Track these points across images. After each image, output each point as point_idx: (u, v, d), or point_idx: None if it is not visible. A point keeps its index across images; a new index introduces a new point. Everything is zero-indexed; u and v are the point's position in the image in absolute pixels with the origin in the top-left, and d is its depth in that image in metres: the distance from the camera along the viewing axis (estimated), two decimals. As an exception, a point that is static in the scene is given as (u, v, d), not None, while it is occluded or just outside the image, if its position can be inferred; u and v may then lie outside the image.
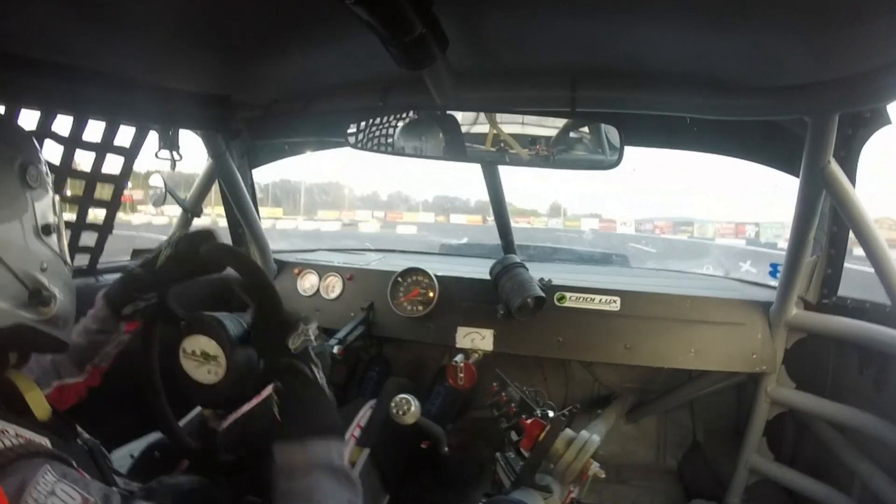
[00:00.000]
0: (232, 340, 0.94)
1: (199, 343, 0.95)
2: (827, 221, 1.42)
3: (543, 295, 1.64)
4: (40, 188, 0.73)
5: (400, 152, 1.27)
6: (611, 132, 1.20)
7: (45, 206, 0.75)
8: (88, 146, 1.29)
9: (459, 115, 1.24)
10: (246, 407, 1.04)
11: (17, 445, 0.57)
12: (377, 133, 1.27)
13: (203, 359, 0.94)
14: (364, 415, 1.46)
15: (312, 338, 0.85)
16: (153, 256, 0.99)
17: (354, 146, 1.25)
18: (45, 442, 0.62)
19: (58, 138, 1.21)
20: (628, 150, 1.19)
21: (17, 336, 0.68)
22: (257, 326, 0.92)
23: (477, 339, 1.72)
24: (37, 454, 0.57)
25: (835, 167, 1.22)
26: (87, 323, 0.98)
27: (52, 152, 1.23)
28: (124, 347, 1.05)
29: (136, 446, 1.33)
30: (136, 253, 1.71)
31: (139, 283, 0.99)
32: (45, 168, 0.77)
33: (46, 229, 0.74)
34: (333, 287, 1.90)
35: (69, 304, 0.77)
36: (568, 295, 1.69)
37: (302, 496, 0.70)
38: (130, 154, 1.41)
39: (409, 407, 1.35)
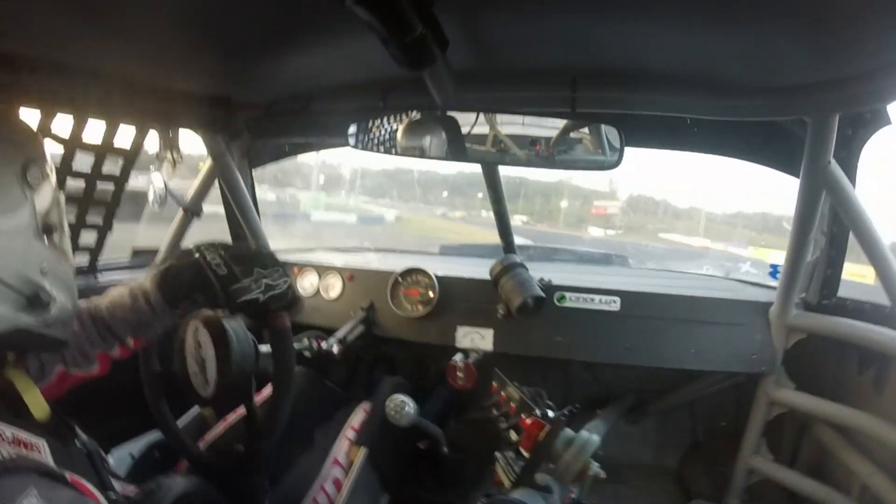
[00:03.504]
0: (210, 317, 0.96)
1: (189, 355, 0.96)
2: (827, 222, 1.42)
3: (543, 295, 1.64)
4: (42, 187, 0.72)
5: (400, 153, 1.27)
6: (611, 133, 1.20)
7: (48, 205, 0.73)
8: (88, 147, 1.29)
9: (459, 116, 1.24)
10: (243, 410, 1.05)
11: (9, 459, 0.55)
12: (378, 133, 1.27)
13: (200, 356, 0.94)
14: (356, 416, 1.46)
15: (257, 291, 0.88)
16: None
17: (355, 147, 1.25)
18: (43, 444, 0.62)
19: (58, 139, 1.21)
20: (628, 150, 1.19)
21: (16, 338, 0.68)
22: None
23: (477, 339, 1.72)
24: (27, 470, 0.55)
25: (835, 167, 1.22)
26: (124, 299, 0.92)
27: (52, 152, 1.23)
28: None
29: (136, 446, 1.33)
30: (136, 252, 1.71)
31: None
32: (49, 165, 0.75)
33: (48, 229, 0.72)
34: (333, 287, 1.90)
35: (69, 304, 0.76)
36: (568, 295, 1.69)
37: None
38: (130, 154, 1.41)
39: (404, 408, 1.34)
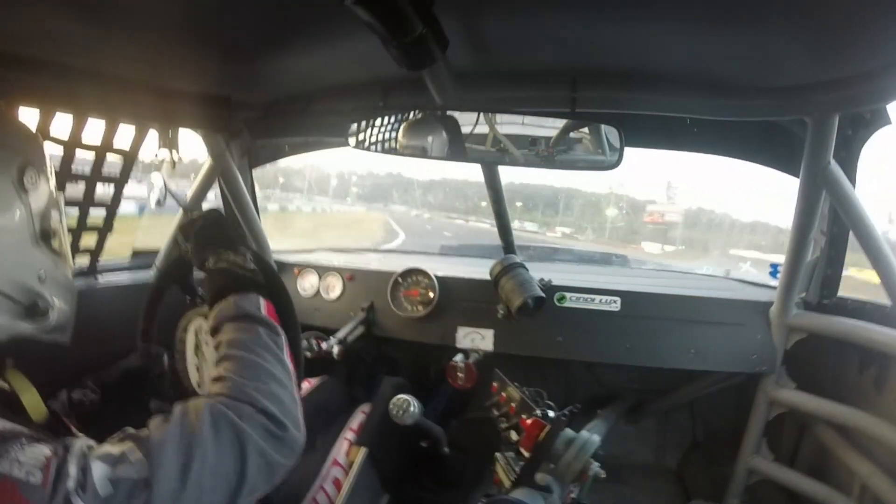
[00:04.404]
0: (197, 311, 0.96)
1: (189, 359, 0.95)
2: (827, 221, 1.42)
3: (543, 295, 1.64)
4: (40, 190, 0.71)
5: (400, 153, 1.27)
6: (611, 133, 1.20)
7: (46, 210, 0.72)
8: (88, 147, 1.29)
9: (459, 116, 1.24)
10: None
11: (3, 429, 0.56)
12: (378, 133, 1.27)
13: (199, 356, 0.94)
14: (355, 419, 1.46)
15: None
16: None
17: (355, 146, 1.25)
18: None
19: (57, 140, 1.21)
20: (628, 150, 1.19)
21: (15, 345, 0.67)
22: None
23: (477, 339, 1.72)
24: (22, 435, 0.56)
25: (835, 167, 1.22)
26: None
27: (51, 153, 1.23)
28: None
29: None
30: (136, 253, 1.71)
31: (95, 379, 1.03)
32: (48, 167, 0.74)
33: (46, 234, 0.71)
34: (333, 287, 1.90)
35: (69, 308, 0.76)
36: (568, 295, 1.69)
37: (219, 345, 0.73)
38: (130, 154, 1.41)
39: (409, 407, 1.35)
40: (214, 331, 0.76)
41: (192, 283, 1.01)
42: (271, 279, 0.88)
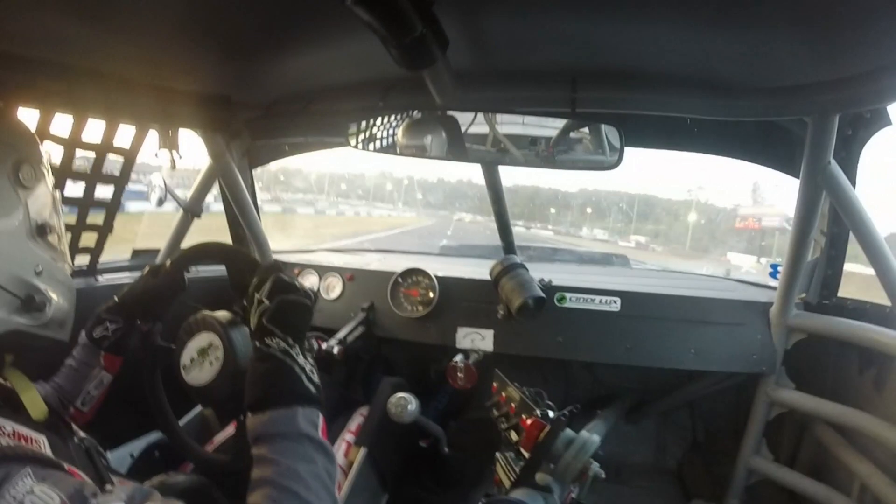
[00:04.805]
0: (222, 322, 0.94)
1: (191, 348, 0.95)
2: (827, 222, 1.42)
3: (543, 295, 1.64)
4: (36, 187, 0.71)
5: (401, 152, 1.27)
6: (611, 133, 1.20)
7: (42, 205, 0.72)
8: (88, 146, 1.29)
9: (459, 116, 1.24)
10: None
11: (7, 447, 0.55)
12: (378, 133, 1.27)
13: (201, 357, 0.94)
14: (353, 421, 1.46)
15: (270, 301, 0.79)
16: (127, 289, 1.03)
17: (355, 146, 1.25)
18: (42, 440, 0.61)
19: (57, 139, 1.21)
20: (628, 150, 1.19)
21: (13, 340, 0.67)
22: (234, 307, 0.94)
23: (477, 340, 1.72)
24: (26, 458, 0.54)
25: (835, 168, 1.22)
26: (68, 361, 0.99)
27: (51, 153, 1.23)
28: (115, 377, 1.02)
29: (136, 446, 1.33)
30: (136, 253, 1.71)
31: (110, 309, 1.01)
32: (45, 165, 0.74)
33: (42, 230, 0.72)
34: (333, 287, 1.90)
35: (67, 304, 0.76)
36: (568, 295, 1.69)
37: (268, 462, 0.67)
38: (130, 154, 1.41)
39: (407, 405, 1.35)
40: (261, 439, 0.68)
41: (246, 287, 0.87)
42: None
